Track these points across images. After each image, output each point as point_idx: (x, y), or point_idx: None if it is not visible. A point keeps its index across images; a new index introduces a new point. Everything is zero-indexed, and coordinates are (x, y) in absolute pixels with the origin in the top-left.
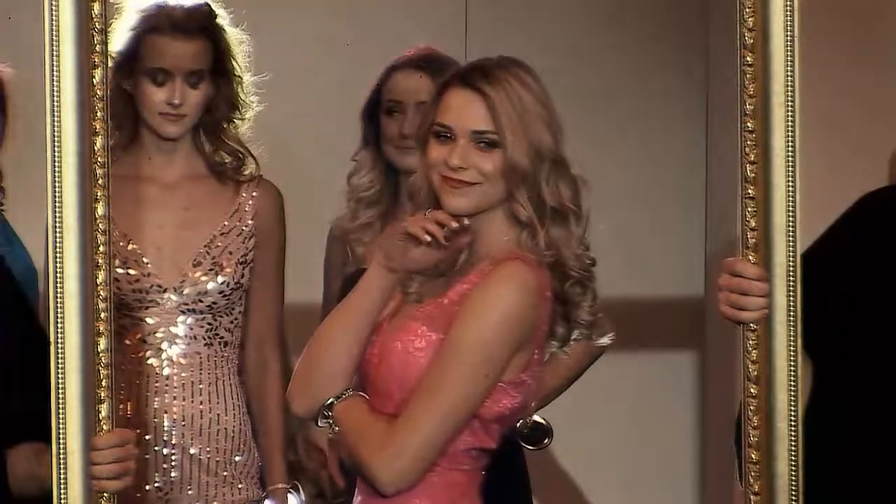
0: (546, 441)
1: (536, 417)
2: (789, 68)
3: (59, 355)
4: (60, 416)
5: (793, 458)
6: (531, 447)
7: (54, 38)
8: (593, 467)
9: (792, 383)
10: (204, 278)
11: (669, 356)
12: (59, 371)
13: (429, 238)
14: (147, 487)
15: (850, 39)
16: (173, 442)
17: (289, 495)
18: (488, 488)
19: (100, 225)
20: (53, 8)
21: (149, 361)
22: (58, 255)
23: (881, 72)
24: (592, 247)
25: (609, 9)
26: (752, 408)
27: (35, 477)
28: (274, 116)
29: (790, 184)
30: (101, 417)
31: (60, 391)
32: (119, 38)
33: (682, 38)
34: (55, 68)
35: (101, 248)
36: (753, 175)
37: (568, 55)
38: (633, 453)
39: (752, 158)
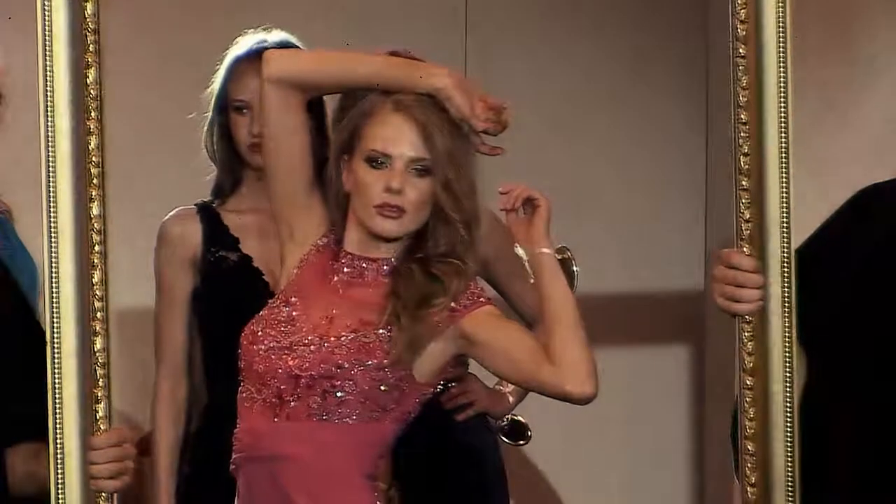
0: (521, 441)
1: (515, 415)
2: (782, 60)
3: (56, 355)
4: (58, 416)
5: (789, 449)
6: (511, 443)
7: (47, 37)
8: (591, 460)
9: (787, 374)
10: None
11: (669, 349)
12: (56, 371)
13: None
14: None
15: (845, 29)
16: None
17: None
18: (465, 487)
19: (95, 225)
20: (46, 8)
21: None
22: (53, 255)
23: (878, 62)
24: (593, 241)
25: (609, 8)
26: (748, 399)
27: (34, 476)
28: None
29: (784, 175)
30: (98, 417)
31: (57, 391)
32: None
33: (682, 38)
34: (49, 68)
35: (97, 248)
36: (747, 167)
37: (568, 54)
38: (631, 447)
39: (746, 150)
